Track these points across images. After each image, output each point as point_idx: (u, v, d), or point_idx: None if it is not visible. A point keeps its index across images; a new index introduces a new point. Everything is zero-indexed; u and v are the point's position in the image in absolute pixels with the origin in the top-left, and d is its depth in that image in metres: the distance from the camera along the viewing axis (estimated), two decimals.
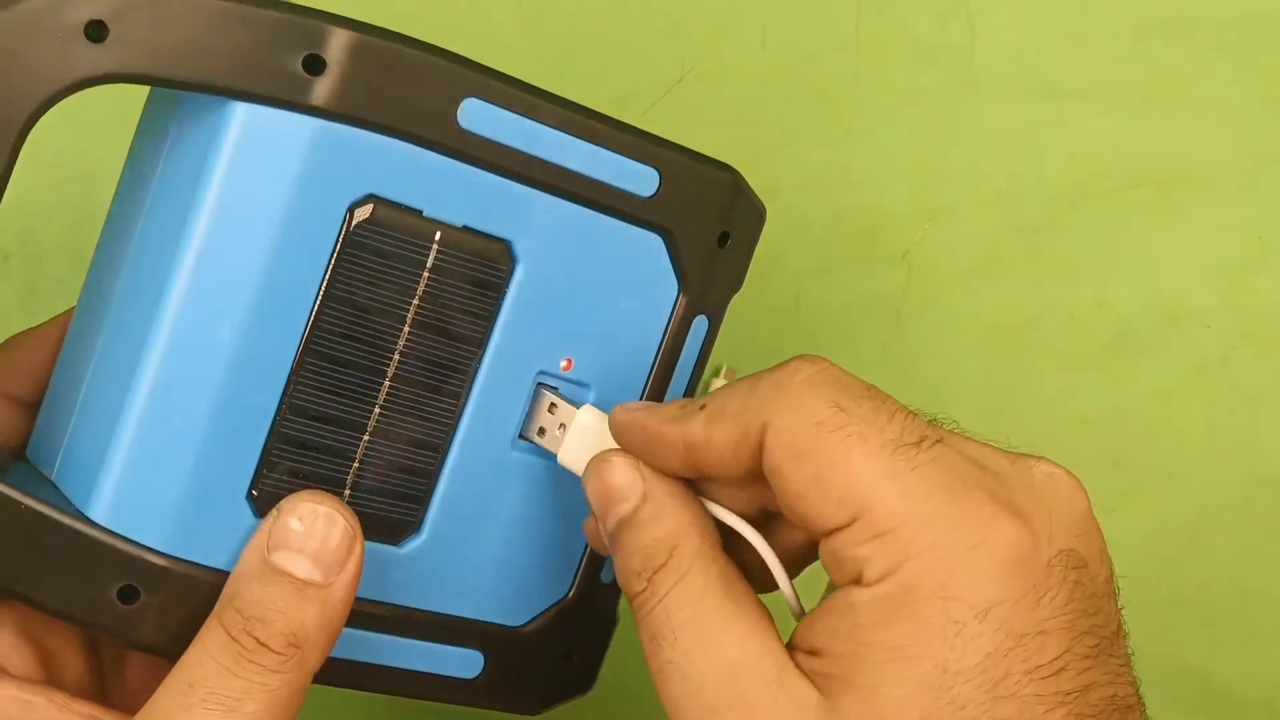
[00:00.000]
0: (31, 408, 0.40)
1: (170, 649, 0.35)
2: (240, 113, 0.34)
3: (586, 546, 0.41)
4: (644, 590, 0.35)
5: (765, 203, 0.44)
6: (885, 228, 0.55)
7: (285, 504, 0.35)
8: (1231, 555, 0.56)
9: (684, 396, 0.42)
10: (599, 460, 0.36)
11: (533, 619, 0.41)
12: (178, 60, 0.33)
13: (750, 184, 0.43)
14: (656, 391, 0.41)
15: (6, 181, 0.33)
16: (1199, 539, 0.56)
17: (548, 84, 0.54)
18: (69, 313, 0.40)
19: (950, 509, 0.33)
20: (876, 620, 0.33)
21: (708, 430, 0.35)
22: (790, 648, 0.34)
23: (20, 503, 0.33)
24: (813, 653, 0.34)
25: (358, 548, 0.35)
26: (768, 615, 0.35)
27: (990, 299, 0.56)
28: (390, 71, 0.35)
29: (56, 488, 0.36)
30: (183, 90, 0.34)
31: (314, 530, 0.35)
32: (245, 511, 0.36)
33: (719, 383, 0.38)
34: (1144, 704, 0.34)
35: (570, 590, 0.41)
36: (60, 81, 0.32)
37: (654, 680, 0.34)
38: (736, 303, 0.55)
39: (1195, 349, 0.56)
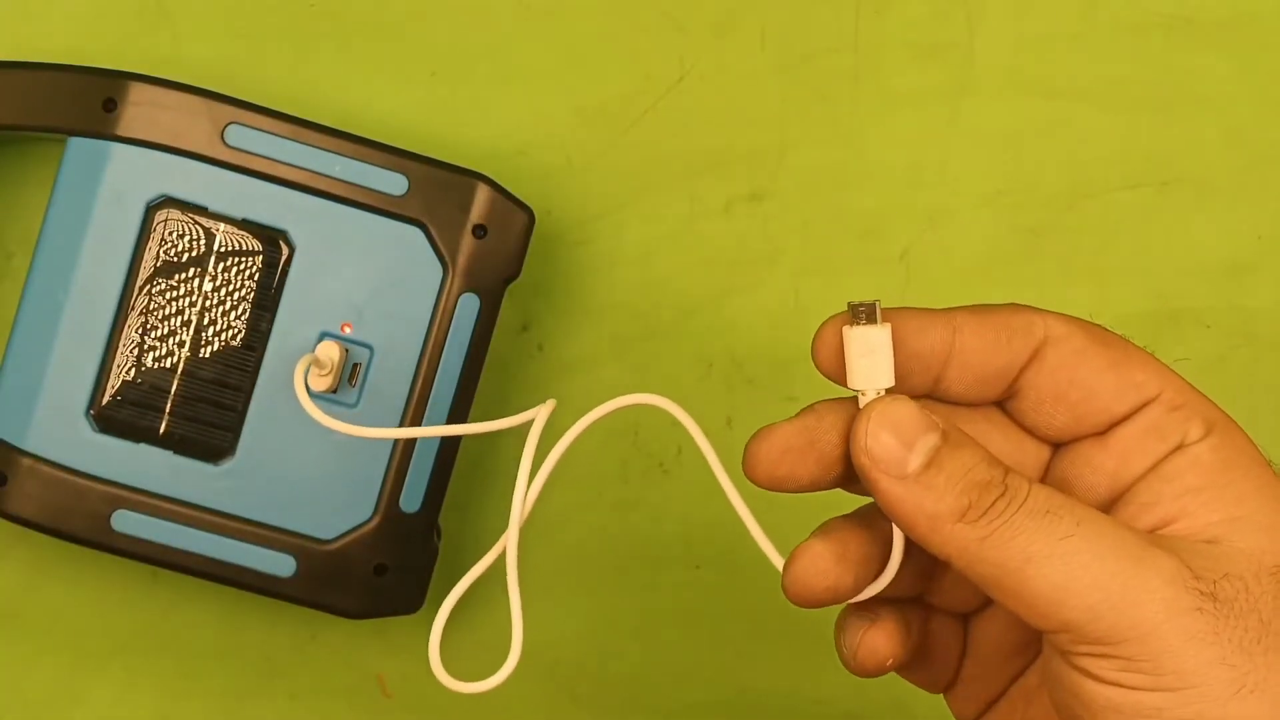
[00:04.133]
0: None
1: (28, 522, 0.49)
2: (71, 143, 0.49)
3: (384, 478, 0.50)
4: (1001, 494, 0.35)
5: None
6: (884, 228, 0.55)
7: None
8: None
9: (463, 360, 0.50)
10: (881, 404, 0.36)
11: (340, 535, 0.50)
12: (19, 113, 0.49)
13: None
14: (432, 352, 0.50)
15: None
16: None
17: (549, 84, 0.55)
18: None
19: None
20: (1223, 462, 0.36)
21: (973, 319, 0.37)
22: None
23: None
24: (1163, 523, 0.36)
25: None
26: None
27: (990, 299, 0.56)
28: (163, 107, 0.49)
29: None
30: (31, 132, 0.50)
31: None
32: (86, 426, 0.50)
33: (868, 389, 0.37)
34: None
35: (372, 514, 0.51)
36: None
37: (1037, 567, 0.34)
38: (736, 302, 0.55)
39: (1195, 349, 0.56)
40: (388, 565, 0.51)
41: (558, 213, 0.55)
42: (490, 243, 0.50)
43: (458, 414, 0.50)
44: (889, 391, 0.36)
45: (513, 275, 0.51)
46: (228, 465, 0.50)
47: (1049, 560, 0.34)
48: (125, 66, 0.50)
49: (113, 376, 0.50)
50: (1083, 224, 0.56)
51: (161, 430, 0.50)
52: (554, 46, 0.55)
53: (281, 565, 0.50)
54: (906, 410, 0.35)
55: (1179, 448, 0.36)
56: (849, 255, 0.55)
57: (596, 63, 0.55)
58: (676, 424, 0.55)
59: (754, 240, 0.55)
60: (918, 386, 0.38)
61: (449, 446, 0.51)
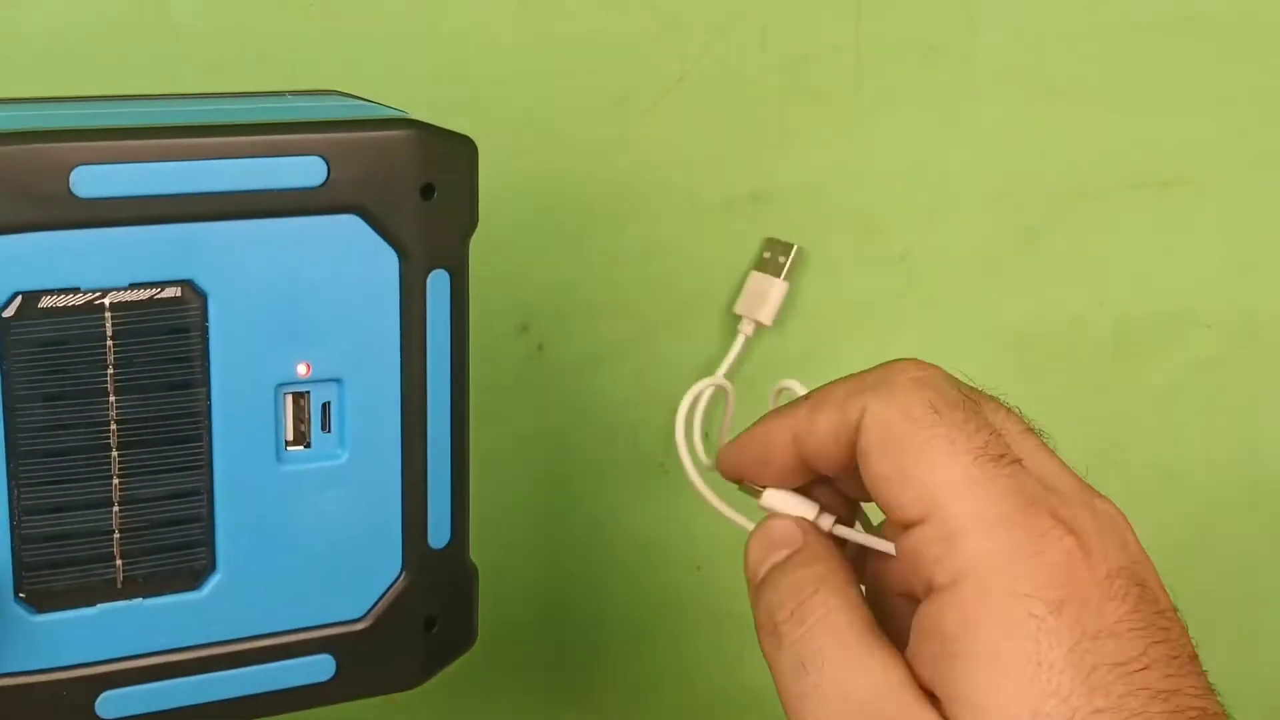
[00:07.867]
0: None
1: None
2: None
3: (402, 521, 0.42)
4: (788, 619, 0.36)
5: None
6: (884, 228, 0.55)
7: None
8: (1232, 556, 0.56)
9: (449, 354, 0.42)
10: (765, 521, 0.39)
11: (373, 606, 0.42)
12: None
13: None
14: (413, 356, 0.41)
15: None
16: (1199, 539, 0.56)
17: (548, 84, 0.55)
18: None
19: (1015, 517, 0.34)
20: (961, 625, 0.34)
21: (811, 416, 0.38)
22: None
23: None
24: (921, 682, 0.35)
25: None
26: (899, 653, 0.35)
27: (990, 299, 0.56)
28: None
29: None
30: None
31: None
32: (22, 612, 0.38)
33: (795, 385, 0.41)
34: None
35: (402, 567, 0.42)
36: None
37: (790, 707, 0.35)
38: (736, 301, 0.55)
39: (1195, 349, 0.56)
40: (436, 615, 0.42)
41: (558, 212, 0.55)
42: (441, 200, 0.40)
43: (458, 411, 0.42)
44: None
45: (472, 226, 0.41)
46: (213, 585, 0.40)
47: None
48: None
49: (29, 542, 0.38)
50: (1083, 224, 0.56)
51: (120, 580, 0.39)
52: (554, 46, 0.55)
53: (319, 670, 0.41)
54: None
55: (926, 595, 0.35)
56: (849, 255, 0.55)
57: (596, 63, 0.55)
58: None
59: (754, 240, 0.55)
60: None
61: (462, 455, 0.43)
